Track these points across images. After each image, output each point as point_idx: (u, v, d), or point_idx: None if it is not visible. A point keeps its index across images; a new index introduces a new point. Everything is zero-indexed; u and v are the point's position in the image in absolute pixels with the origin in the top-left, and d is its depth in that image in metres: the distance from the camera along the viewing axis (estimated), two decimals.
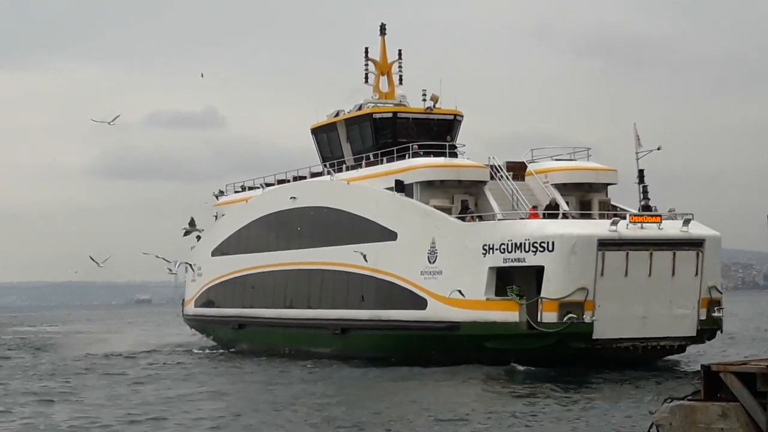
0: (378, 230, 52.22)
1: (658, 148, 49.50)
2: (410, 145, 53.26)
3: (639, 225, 45.97)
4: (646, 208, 48.88)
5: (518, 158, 53.50)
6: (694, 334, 46.54)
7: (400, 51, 62.50)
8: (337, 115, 60.60)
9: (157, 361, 57.13)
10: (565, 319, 44.07)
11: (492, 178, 51.07)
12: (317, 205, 57.53)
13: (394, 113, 57.77)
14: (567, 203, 50.13)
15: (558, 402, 34.62)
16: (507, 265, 45.85)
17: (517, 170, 52.33)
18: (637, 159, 48.84)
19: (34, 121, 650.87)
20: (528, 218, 46.90)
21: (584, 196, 51.79)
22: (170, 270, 70.40)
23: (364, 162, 56.12)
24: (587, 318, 44.18)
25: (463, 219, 48.87)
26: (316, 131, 61.84)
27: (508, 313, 45.28)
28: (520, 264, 45.47)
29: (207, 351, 64.55)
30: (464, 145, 55.94)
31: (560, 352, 44.30)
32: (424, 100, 58.22)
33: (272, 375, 46.80)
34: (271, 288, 61.10)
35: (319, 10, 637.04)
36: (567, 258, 44.44)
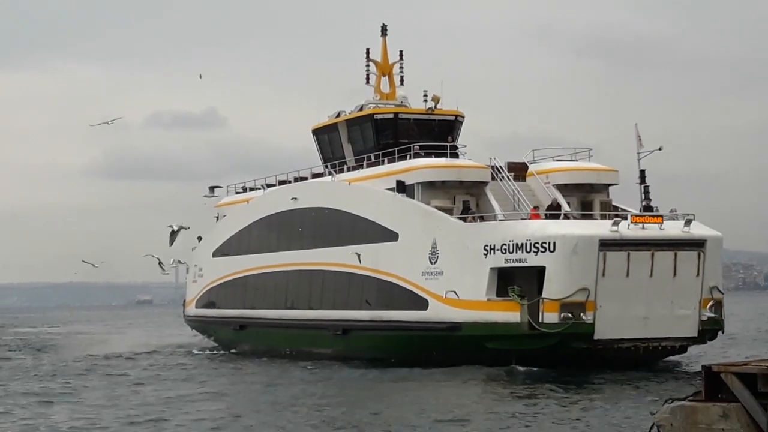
0: (379, 231, 52.22)
1: (660, 149, 49.47)
2: (411, 145, 53.27)
3: (640, 225, 45.95)
4: (648, 208, 48.85)
5: (518, 158, 53.54)
6: (696, 334, 46.53)
7: (401, 52, 62.57)
8: (338, 115, 60.62)
9: (157, 362, 57.14)
10: (561, 318, 44.06)
11: (493, 178, 51.09)
12: (318, 205, 57.53)
13: (396, 114, 57.78)
14: (568, 204, 50.15)
15: (558, 403, 34.59)
16: (508, 265, 45.83)
17: (519, 171, 52.35)
18: (639, 159, 48.80)
19: (34, 121, 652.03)
20: (529, 219, 46.89)
21: (585, 197, 51.80)
22: (162, 269, 69.63)
23: (365, 163, 56.12)
24: (585, 318, 44.09)
25: (464, 219, 48.86)
26: (317, 132, 61.84)
27: (510, 314, 45.26)
28: (521, 264, 45.46)
29: (207, 352, 64.55)
30: (465, 146, 56.05)
31: (561, 353, 44.27)
32: (426, 100, 58.24)
33: (273, 376, 46.79)
34: (272, 289, 61.10)
35: (319, 10, 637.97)
36: (568, 258, 44.42)
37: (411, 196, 51.27)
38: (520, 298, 44.96)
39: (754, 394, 20.21)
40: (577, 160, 53.15)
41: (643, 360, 45.51)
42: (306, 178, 61.92)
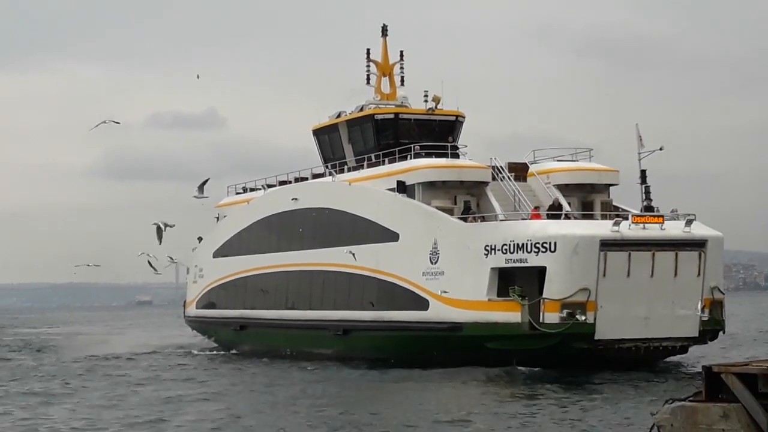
0: (380, 231, 52.21)
1: (661, 149, 49.43)
2: (412, 146, 53.27)
3: (641, 225, 45.94)
4: (649, 208, 48.83)
5: (519, 158, 53.54)
6: (696, 334, 46.51)
7: (401, 52, 62.60)
8: (338, 116, 60.63)
9: (157, 362, 57.11)
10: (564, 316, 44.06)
11: (494, 178, 51.09)
12: (319, 206, 57.52)
13: (396, 114, 57.79)
14: (569, 204, 50.14)
15: (559, 403, 34.56)
16: (509, 265, 45.82)
17: (519, 171, 52.35)
18: (640, 159, 48.77)
19: (34, 121, 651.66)
20: (530, 219, 46.87)
21: (586, 197, 51.80)
22: (154, 269, 68.42)
23: (365, 163, 56.12)
24: (579, 316, 44.04)
25: (465, 220, 48.85)
26: (318, 132, 61.84)
27: (510, 314, 45.25)
28: (522, 264, 45.44)
29: (207, 352, 64.50)
30: (466, 146, 56.12)
31: (562, 353, 44.26)
32: (426, 101, 58.24)
33: (273, 376, 46.77)
34: (273, 289, 61.08)
35: (320, 10, 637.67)
36: (569, 258, 44.41)
37: (411, 196, 51.26)
38: (521, 299, 44.95)
39: (755, 394, 20.19)
40: (577, 161, 53.16)
41: (644, 360, 45.49)
42: (306, 179, 61.92)
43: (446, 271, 48.10)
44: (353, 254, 53.04)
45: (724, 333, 48.85)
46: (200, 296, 70.18)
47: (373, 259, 52.26)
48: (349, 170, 57.70)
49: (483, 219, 48.86)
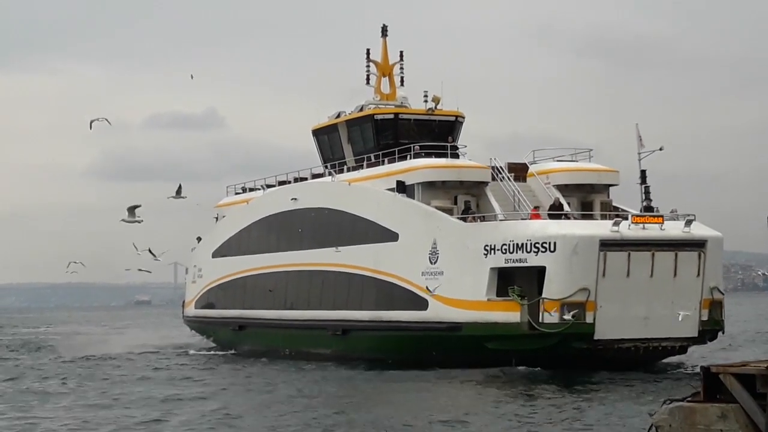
0: (379, 231, 52.22)
1: (661, 149, 49.41)
2: (411, 146, 53.27)
3: (641, 225, 45.94)
4: (648, 208, 48.83)
5: (518, 159, 53.55)
6: (696, 335, 46.51)
7: (401, 52, 62.61)
8: (338, 116, 60.63)
9: (155, 362, 57.07)
10: (564, 317, 44.07)
11: (493, 179, 51.08)
12: (318, 206, 57.51)
13: (396, 114, 57.80)
14: (568, 204, 50.15)
15: (558, 403, 34.55)
16: (508, 265, 45.81)
17: (519, 171, 52.35)
18: (639, 159, 48.78)
19: (34, 121, 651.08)
20: (530, 219, 46.89)
21: (586, 197, 51.81)
22: (152, 254, 65.76)
23: (365, 163, 56.12)
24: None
25: (464, 219, 48.87)
26: (317, 132, 61.84)
27: (510, 314, 45.24)
28: (521, 264, 45.44)
29: (204, 352, 64.47)
30: (465, 146, 56.09)
31: (562, 353, 44.26)
32: (426, 101, 58.25)
33: (271, 376, 46.75)
34: (272, 289, 61.01)
35: (319, 10, 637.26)
36: (569, 258, 44.41)
37: (411, 196, 51.26)
38: (521, 298, 44.95)
39: (753, 394, 20.20)
40: (577, 161, 53.17)
41: (643, 360, 45.48)
42: (306, 179, 61.92)
43: (446, 271, 48.10)
44: (338, 250, 53.13)
45: (723, 333, 48.86)
46: (199, 296, 70.17)
47: (373, 259, 52.26)
48: (348, 170, 57.71)
49: (483, 219, 48.87)
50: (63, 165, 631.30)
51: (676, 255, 45.83)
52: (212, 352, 64.05)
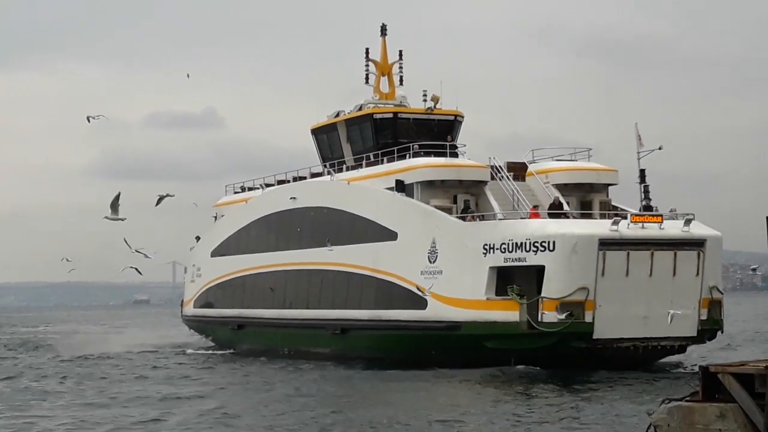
0: (378, 230, 52.18)
1: (660, 148, 49.45)
2: (411, 145, 53.23)
3: (640, 225, 45.92)
4: (648, 208, 48.82)
5: (518, 159, 53.50)
6: (695, 334, 46.48)
7: (400, 52, 62.58)
8: (337, 115, 60.58)
9: (153, 361, 57.04)
10: (564, 317, 44.06)
11: (493, 178, 51.04)
12: (317, 205, 57.48)
13: (395, 114, 57.76)
14: (568, 203, 50.12)
15: (556, 402, 34.52)
16: (507, 264, 45.77)
17: (518, 170, 52.31)
18: (639, 159, 48.78)
19: (34, 121, 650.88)
20: (529, 218, 46.85)
21: (585, 197, 51.77)
22: (141, 254, 64.54)
23: (364, 162, 56.08)
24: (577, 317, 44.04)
25: (463, 219, 48.83)
26: (317, 131, 61.81)
27: (509, 313, 45.20)
28: (520, 264, 45.40)
29: (202, 351, 64.44)
30: (465, 146, 56.01)
31: (561, 352, 44.23)
32: (425, 100, 58.22)
33: (268, 375, 46.74)
34: (271, 288, 60.98)
35: (319, 10, 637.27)
36: (568, 258, 44.37)
37: (410, 195, 51.23)
38: (520, 298, 44.91)
39: (751, 394, 20.19)
40: (576, 160, 53.13)
41: (642, 359, 45.45)
42: (305, 178, 61.90)
43: (445, 270, 48.07)
44: (330, 248, 53.39)
45: (722, 333, 48.82)
46: (198, 295, 70.13)
47: (372, 258, 52.23)
48: (347, 169, 57.66)
49: (482, 218, 48.83)
50: (63, 165, 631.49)
51: (675, 254, 45.81)
52: (211, 352, 64.00)
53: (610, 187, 52.56)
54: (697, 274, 46.15)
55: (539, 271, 44.92)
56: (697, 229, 46.80)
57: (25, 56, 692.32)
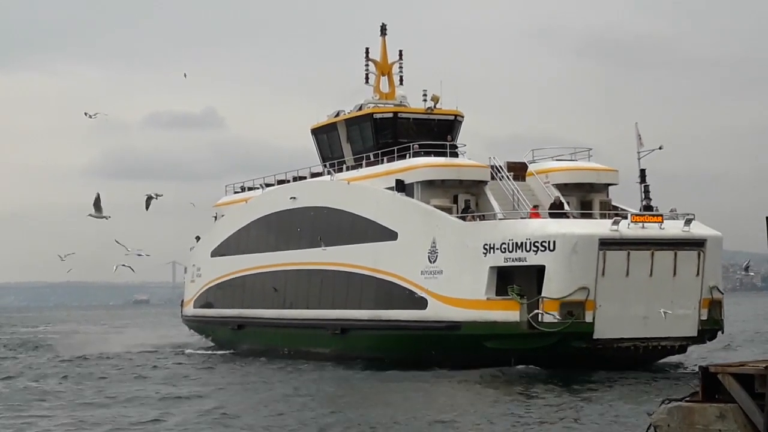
0: (378, 230, 52.14)
1: (660, 148, 49.44)
2: (411, 145, 53.20)
3: (640, 225, 45.87)
4: (648, 207, 48.80)
5: (518, 159, 53.47)
6: (695, 334, 46.43)
7: (400, 51, 62.56)
8: (337, 115, 60.54)
9: (153, 361, 57.02)
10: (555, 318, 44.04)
11: (493, 178, 51.01)
12: (317, 205, 57.44)
13: (395, 113, 57.73)
14: (568, 203, 50.08)
15: (556, 402, 34.49)
16: (508, 264, 45.72)
17: (518, 170, 52.27)
18: (639, 159, 48.76)
19: (34, 122, 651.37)
20: (529, 218, 46.81)
21: (585, 197, 51.74)
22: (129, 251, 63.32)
23: (364, 162, 56.04)
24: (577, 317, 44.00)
25: (463, 218, 48.80)
26: (317, 131, 61.77)
27: (509, 313, 45.14)
28: (520, 263, 45.36)
29: (201, 351, 64.39)
30: (465, 145, 55.98)
31: (561, 352, 44.19)
32: (425, 100, 58.19)
33: (268, 375, 46.73)
34: (271, 288, 60.95)
35: (319, 10, 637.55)
36: (568, 257, 44.32)
37: (410, 195, 51.19)
38: (520, 297, 44.87)
39: (751, 394, 20.16)
40: (576, 160, 53.10)
41: (643, 360, 45.40)
42: (305, 178, 61.86)
43: (445, 270, 48.03)
44: (324, 249, 53.93)
45: (722, 333, 48.77)
46: (198, 295, 70.09)
47: (372, 258, 52.19)
48: (347, 169, 57.63)
49: (482, 218, 48.79)
50: (63, 165, 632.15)
51: (675, 254, 45.76)
52: (210, 352, 63.96)
53: (610, 187, 52.53)
54: (698, 274, 46.11)
55: (539, 271, 44.88)
56: (698, 229, 46.76)
57: (25, 56, 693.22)
